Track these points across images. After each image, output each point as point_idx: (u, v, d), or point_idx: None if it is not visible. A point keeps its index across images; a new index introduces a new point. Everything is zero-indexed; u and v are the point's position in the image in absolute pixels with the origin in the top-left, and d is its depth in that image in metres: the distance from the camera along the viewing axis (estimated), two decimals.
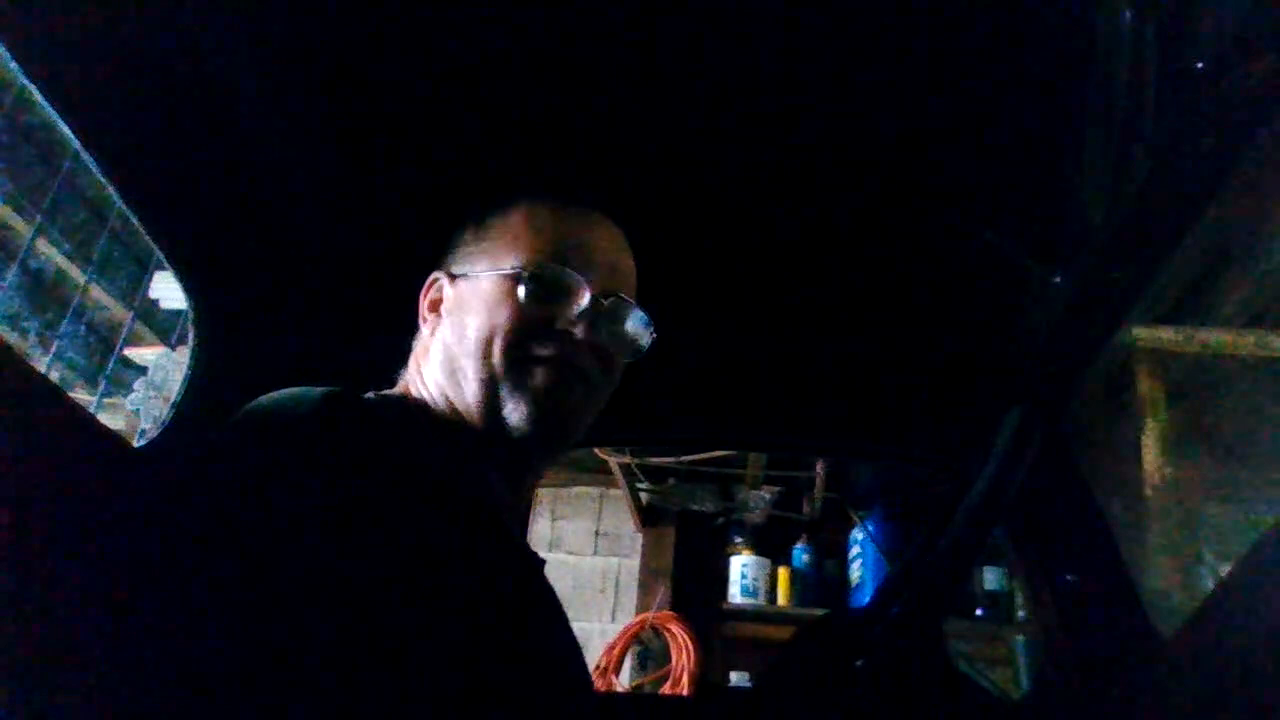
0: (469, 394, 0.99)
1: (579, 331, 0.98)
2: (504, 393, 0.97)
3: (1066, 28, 0.98)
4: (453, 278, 1.06)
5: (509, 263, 1.01)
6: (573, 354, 0.98)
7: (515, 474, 1.04)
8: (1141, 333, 3.12)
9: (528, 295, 0.98)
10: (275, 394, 0.90)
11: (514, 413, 0.97)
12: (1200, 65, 0.93)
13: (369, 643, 0.74)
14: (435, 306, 1.07)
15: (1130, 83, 0.96)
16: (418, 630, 0.77)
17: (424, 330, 1.08)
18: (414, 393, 1.05)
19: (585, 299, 0.99)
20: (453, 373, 1.00)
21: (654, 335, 1.07)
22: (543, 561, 1.03)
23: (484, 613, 0.86)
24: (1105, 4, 0.94)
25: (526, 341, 0.98)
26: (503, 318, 0.98)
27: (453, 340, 1.02)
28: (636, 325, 1.05)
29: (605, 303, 1.00)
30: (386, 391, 1.07)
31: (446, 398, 1.01)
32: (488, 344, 0.98)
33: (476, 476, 0.99)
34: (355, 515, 0.79)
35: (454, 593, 0.83)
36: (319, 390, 0.88)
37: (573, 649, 1.03)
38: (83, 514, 0.80)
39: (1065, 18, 0.97)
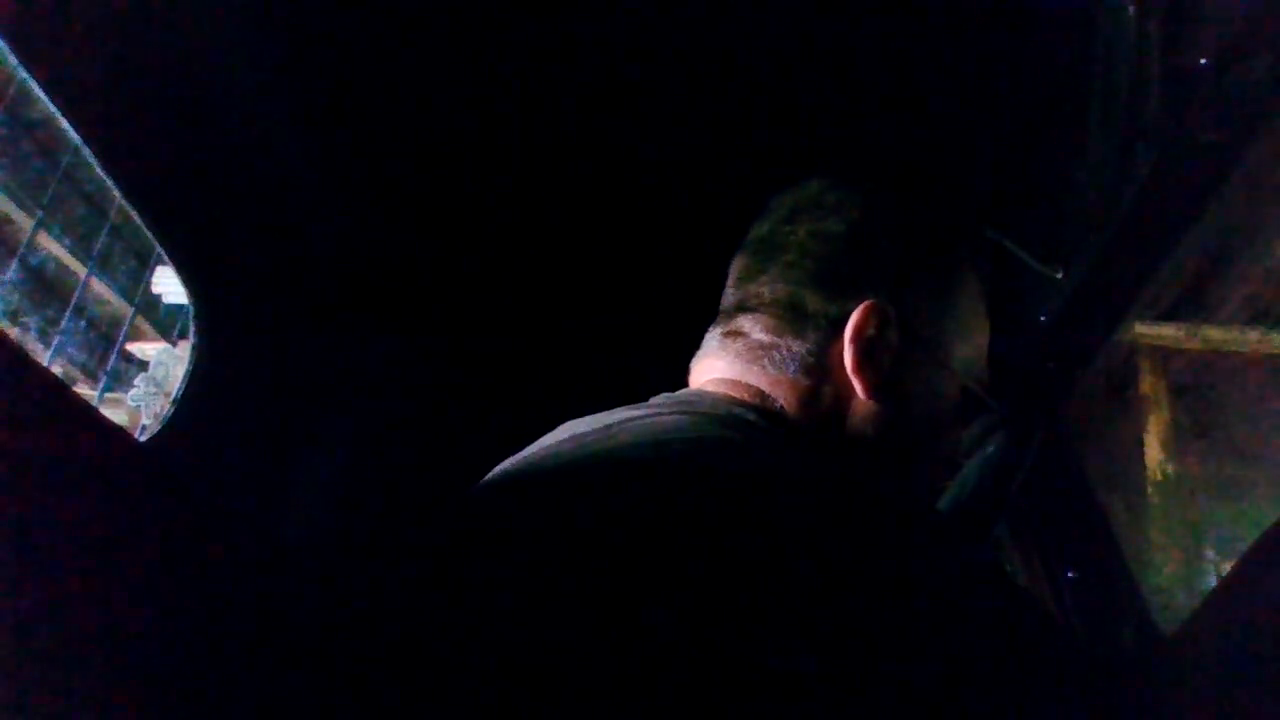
0: (889, 456, 0.82)
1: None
2: (916, 473, 0.86)
3: (1069, 24, 0.98)
4: (908, 328, 0.83)
5: (968, 362, 0.87)
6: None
7: None
8: (1144, 330, 3.12)
9: (961, 414, 0.87)
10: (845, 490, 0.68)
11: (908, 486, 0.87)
12: (1203, 62, 0.93)
13: None
14: (871, 343, 0.81)
15: (1133, 79, 0.96)
16: None
17: (850, 368, 0.80)
18: (832, 443, 0.82)
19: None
20: (883, 439, 0.82)
21: None
22: None
23: None
24: (1108, 1, 0.94)
25: (948, 458, 0.90)
26: (948, 424, 0.86)
27: (893, 411, 0.81)
28: None
29: None
30: (813, 443, 0.81)
31: (873, 455, 0.82)
32: (932, 440, 0.85)
33: None
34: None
35: None
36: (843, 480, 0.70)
37: None
38: (86, 511, 0.80)
39: (1067, 14, 0.97)
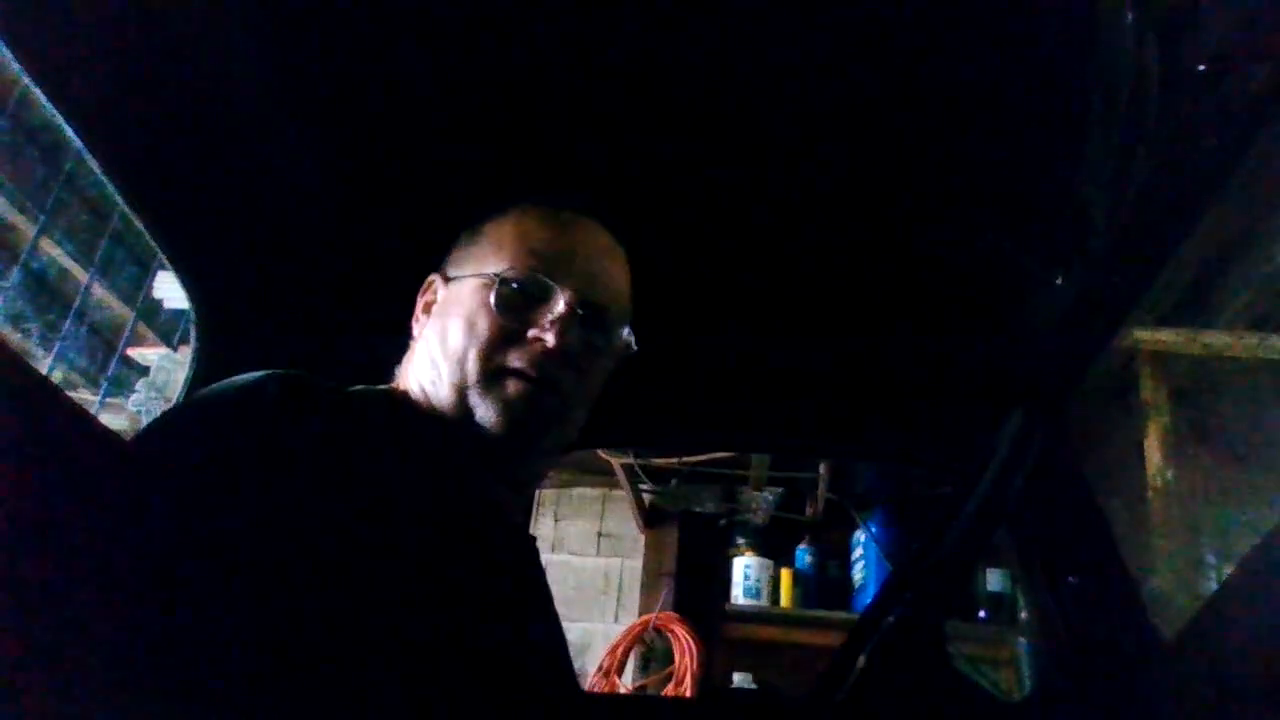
0: (443, 396, 1.00)
1: (550, 340, 0.97)
2: (474, 399, 0.98)
3: (1069, 30, 0.98)
4: (446, 280, 1.08)
5: (491, 268, 1.02)
6: (543, 364, 0.98)
7: (498, 472, 1.05)
8: (1144, 335, 3.11)
9: (502, 302, 0.99)
10: (240, 376, 0.93)
11: (484, 420, 0.98)
12: (1202, 67, 0.93)
13: (330, 621, 0.79)
14: (428, 308, 1.09)
15: (1132, 84, 0.96)
16: (375, 608, 0.82)
17: (414, 329, 1.10)
18: (399, 388, 1.07)
19: (560, 307, 0.99)
20: (431, 374, 1.02)
21: (634, 344, 1.07)
22: (534, 550, 1.08)
23: (450, 595, 0.90)
24: (1107, 6, 0.94)
25: (498, 350, 0.99)
26: (479, 324, 1.00)
27: (435, 342, 1.03)
28: (615, 334, 1.05)
29: (581, 311, 1.00)
30: (374, 386, 1.08)
31: (426, 397, 1.02)
32: (463, 350, 0.99)
33: (451, 469, 1.01)
34: (300, 497, 0.85)
35: (408, 570, 0.88)
36: (279, 373, 0.93)
37: (553, 636, 1.06)
38: (83, 515, 0.80)
39: (1067, 20, 0.97)
